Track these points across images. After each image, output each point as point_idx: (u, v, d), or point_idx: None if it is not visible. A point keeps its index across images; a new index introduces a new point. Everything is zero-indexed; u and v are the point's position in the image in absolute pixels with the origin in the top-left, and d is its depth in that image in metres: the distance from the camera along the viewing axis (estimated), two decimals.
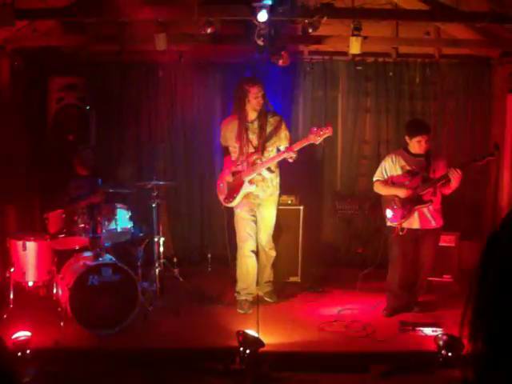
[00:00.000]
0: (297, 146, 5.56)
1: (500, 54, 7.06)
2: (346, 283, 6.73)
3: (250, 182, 5.79)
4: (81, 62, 7.08)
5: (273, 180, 5.90)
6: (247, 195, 5.87)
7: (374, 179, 5.85)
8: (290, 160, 5.66)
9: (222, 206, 6.18)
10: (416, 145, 5.56)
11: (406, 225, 5.64)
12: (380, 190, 5.80)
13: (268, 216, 6.00)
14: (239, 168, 5.86)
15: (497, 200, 7.23)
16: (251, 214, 5.94)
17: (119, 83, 7.29)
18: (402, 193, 5.59)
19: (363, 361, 4.90)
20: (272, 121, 5.83)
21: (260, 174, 5.81)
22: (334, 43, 6.94)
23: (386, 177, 5.76)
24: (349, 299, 6.22)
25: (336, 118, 7.51)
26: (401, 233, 5.67)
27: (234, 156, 5.92)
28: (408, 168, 5.64)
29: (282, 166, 5.93)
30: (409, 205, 5.58)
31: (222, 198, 6.01)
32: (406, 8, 6.58)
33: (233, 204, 5.92)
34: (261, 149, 5.77)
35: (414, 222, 5.64)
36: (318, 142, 5.47)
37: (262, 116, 5.78)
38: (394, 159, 5.71)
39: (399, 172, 5.68)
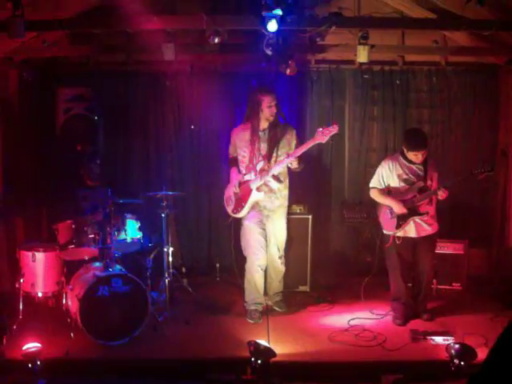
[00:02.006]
0: (302, 149, 5.56)
1: (506, 61, 7.05)
2: (355, 292, 6.70)
3: (258, 189, 5.77)
4: (88, 72, 7.12)
5: (281, 191, 5.88)
6: (255, 206, 5.84)
7: (371, 186, 5.84)
8: (291, 166, 5.65)
9: (230, 219, 6.15)
10: (413, 157, 5.55)
11: (401, 233, 5.64)
12: (376, 197, 5.79)
13: (278, 228, 5.97)
14: (247, 177, 5.84)
15: (505, 207, 7.21)
16: (260, 226, 5.90)
17: (127, 93, 7.31)
18: (397, 209, 5.57)
19: (374, 370, 4.84)
20: (284, 132, 5.83)
21: (267, 185, 5.80)
22: (341, 52, 6.96)
23: (383, 185, 5.74)
24: (358, 308, 6.19)
25: (343, 126, 7.50)
26: (397, 242, 5.67)
27: (242, 165, 5.91)
28: (405, 177, 5.62)
29: (291, 175, 5.92)
30: (405, 215, 5.57)
31: (229, 209, 5.97)
32: (412, 16, 6.60)
33: (241, 214, 5.89)
34: (270, 158, 5.76)
35: (409, 231, 5.63)
36: (325, 141, 5.46)
37: (275, 126, 5.79)
38: (391, 167, 5.69)
39: (396, 181, 5.66)
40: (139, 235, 5.90)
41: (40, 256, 5.68)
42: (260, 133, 5.80)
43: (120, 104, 7.31)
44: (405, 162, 5.63)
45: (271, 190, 5.83)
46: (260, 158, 5.78)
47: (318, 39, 6.19)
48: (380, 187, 5.75)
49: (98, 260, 5.73)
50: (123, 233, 5.76)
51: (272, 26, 5.07)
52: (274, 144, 5.77)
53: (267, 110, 5.69)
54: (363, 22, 5.82)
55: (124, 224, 5.79)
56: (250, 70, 7.20)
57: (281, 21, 5.12)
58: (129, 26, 5.86)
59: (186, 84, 7.34)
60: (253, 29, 5.69)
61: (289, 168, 5.84)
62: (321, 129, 5.47)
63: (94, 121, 6.78)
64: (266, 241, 5.95)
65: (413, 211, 5.54)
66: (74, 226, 5.64)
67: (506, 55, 6.89)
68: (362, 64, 6.86)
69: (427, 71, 7.39)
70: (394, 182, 5.66)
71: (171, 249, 6.11)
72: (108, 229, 5.55)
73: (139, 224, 5.92)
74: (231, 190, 5.93)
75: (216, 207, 7.36)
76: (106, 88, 7.17)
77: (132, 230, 5.86)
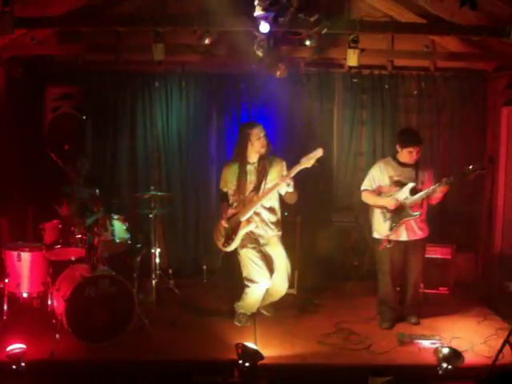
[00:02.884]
0: (291, 174, 5.49)
1: (495, 68, 7.13)
2: (342, 295, 6.73)
3: (248, 221, 5.69)
4: (77, 70, 7.05)
5: (271, 219, 5.80)
6: (249, 234, 5.75)
7: (362, 188, 5.83)
8: (289, 189, 5.57)
9: (221, 253, 6.09)
10: (407, 155, 5.55)
11: (393, 237, 5.64)
12: (368, 200, 5.79)
13: (279, 253, 5.85)
14: (235, 210, 5.75)
15: (492, 213, 7.25)
16: (257, 249, 5.77)
17: (115, 93, 7.24)
18: (390, 203, 5.57)
19: (362, 373, 4.85)
20: (274, 163, 5.76)
21: (259, 215, 5.74)
22: (331, 55, 6.96)
23: (374, 187, 5.74)
24: (346, 311, 6.18)
25: (332, 129, 7.53)
26: (388, 245, 5.68)
27: (232, 199, 5.82)
28: (396, 179, 5.63)
29: (284, 203, 5.87)
30: (397, 217, 5.58)
31: (219, 243, 5.86)
32: (402, 21, 6.62)
33: (232, 247, 5.77)
34: (259, 189, 5.69)
35: (401, 234, 5.64)
36: (310, 165, 5.41)
37: (264, 158, 5.73)
38: (382, 168, 5.70)
39: (387, 182, 5.67)
40: (127, 236, 5.85)
41: (26, 256, 5.62)
42: (249, 166, 5.74)
43: (108, 104, 7.25)
44: (396, 164, 5.64)
45: (263, 221, 5.77)
46: (249, 190, 5.73)
47: (308, 42, 6.20)
48: (371, 189, 5.75)
49: (84, 261, 5.66)
50: (110, 233, 5.70)
51: (264, 27, 5.07)
52: (262, 175, 5.70)
53: (257, 143, 5.64)
54: (354, 25, 5.82)
55: (111, 224, 5.74)
56: (240, 72, 7.18)
57: (273, 22, 5.11)
58: (118, 25, 5.82)
59: (175, 85, 7.30)
60: (243, 30, 5.68)
61: (281, 198, 5.79)
62: (304, 156, 5.40)
63: (82, 120, 6.72)
64: (268, 263, 5.81)
65: (404, 213, 5.55)
66: (60, 226, 5.59)
67: (495, 61, 6.95)
68: (351, 68, 6.87)
69: (416, 76, 7.42)
70: (385, 184, 5.67)
71: (158, 250, 6.06)
72: (95, 229, 5.50)
73: (126, 225, 5.87)
74: (221, 225, 5.83)
75: (203, 209, 7.36)
76: (94, 87, 7.11)
77: (119, 231, 5.80)
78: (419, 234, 5.67)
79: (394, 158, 5.68)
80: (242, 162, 5.74)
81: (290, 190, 5.59)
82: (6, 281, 5.56)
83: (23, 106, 6.92)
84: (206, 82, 7.33)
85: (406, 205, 5.53)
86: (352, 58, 6.12)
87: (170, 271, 6.52)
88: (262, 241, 5.82)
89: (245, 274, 5.78)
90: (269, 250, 5.84)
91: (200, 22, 5.49)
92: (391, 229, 5.61)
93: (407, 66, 7.38)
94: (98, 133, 7.20)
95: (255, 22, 5.11)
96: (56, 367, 4.80)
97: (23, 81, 6.87)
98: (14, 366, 4.54)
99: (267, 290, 5.83)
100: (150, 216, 5.98)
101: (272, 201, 5.76)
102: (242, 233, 5.70)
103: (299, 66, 7.33)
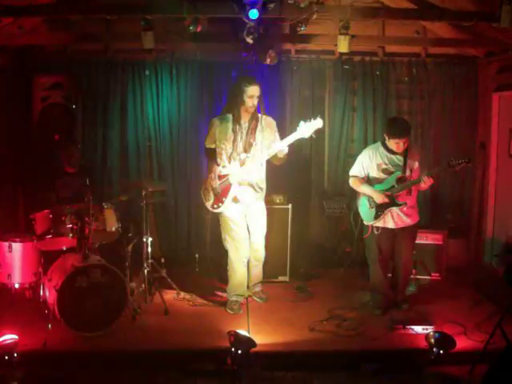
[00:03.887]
0: (287, 142, 5.51)
1: (485, 53, 7.11)
2: (334, 282, 6.74)
3: (238, 183, 5.73)
4: (66, 60, 6.99)
5: (259, 184, 5.82)
6: (234, 198, 5.79)
7: (351, 174, 5.81)
8: (281, 155, 5.60)
9: (208, 214, 6.12)
10: (394, 145, 5.51)
11: (380, 224, 5.64)
12: (356, 186, 5.77)
13: (258, 216, 5.93)
14: (226, 171, 5.77)
15: (483, 199, 7.28)
16: (240, 217, 5.84)
17: (105, 82, 7.18)
18: (377, 198, 5.57)
19: (354, 359, 4.89)
20: (264, 123, 5.77)
21: (246, 178, 5.76)
22: (322, 42, 6.93)
23: (363, 174, 5.72)
24: (338, 298, 6.20)
25: (323, 116, 7.43)
26: (376, 232, 5.68)
27: (220, 158, 5.80)
28: (384, 167, 5.61)
29: (269, 165, 5.88)
30: (382, 206, 5.57)
31: (208, 204, 5.88)
32: (393, 7, 6.59)
33: (221, 209, 5.81)
34: (249, 150, 5.71)
35: (388, 222, 5.63)
36: (307, 136, 5.43)
37: (255, 118, 5.72)
38: (371, 156, 5.67)
39: (375, 170, 5.64)
40: (118, 225, 5.84)
41: (17, 246, 5.61)
42: (241, 125, 5.71)
43: (98, 93, 7.19)
44: (385, 151, 5.61)
45: (249, 184, 5.78)
46: (241, 151, 5.72)
47: (298, 29, 6.15)
48: (360, 176, 5.74)
49: (76, 250, 5.63)
50: (102, 223, 5.68)
51: (253, 13, 5.02)
52: (254, 136, 5.71)
53: (249, 101, 5.59)
54: (345, 11, 5.78)
55: (102, 214, 5.72)
56: (230, 59, 7.14)
57: (262, 9, 5.07)
58: (106, 13, 5.77)
59: (166, 73, 7.25)
60: (232, 17, 5.63)
61: (268, 161, 5.79)
62: (304, 122, 5.41)
63: (72, 109, 6.68)
64: (249, 231, 5.92)
65: (391, 202, 5.54)
66: (51, 216, 5.55)
67: (486, 47, 6.93)
68: (342, 54, 6.84)
69: (407, 62, 7.40)
70: (373, 172, 5.65)
71: (150, 239, 6.04)
72: (86, 219, 5.47)
73: (118, 214, 5.84)
74: (209, 184, 5.85)
75: (195, 197, 7.30)
76: (84, 76, 7.09)
77: (111, 220, 5.78)
78: (407, 221, 5.64)
79: (384, 145, 5.64)
80: (235, 119, 5.71)
81: (281, 155, 5.61)
82: None
83: (12, 95, 6.84)
84: (196, 69, 7.29)
85: (392, 194, 5.51)
86: (343, 45, 6.09)
87: (162, 260, 6.50)
88: (245, 204, 5.82)
89: (224, 236, 5.88)
90: (250, 212, 5.87)
91: (188, 9, 5.43)
92: (377, 217, 5.61)
93: (398, 52, 7.36)
94: (89, 122, 7.17)
95: (244, 8, 5.06)
96: (49, 357, 4.78)
97: (12, 70, 6.79)
98: (6, 357, 4.52)
99: (250, 262, 5.94)
100: (141, 205, 5.95)
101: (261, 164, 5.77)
102: (231, 195, 5.72)
103: (289, 53, 7.29)
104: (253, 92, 5.59)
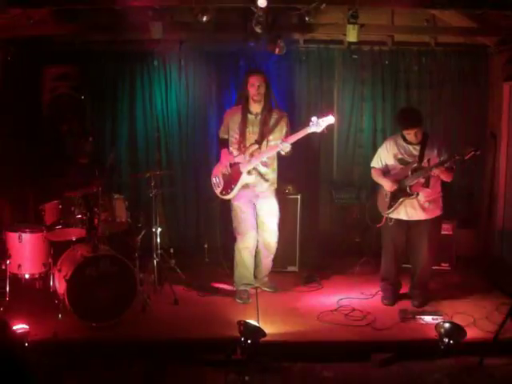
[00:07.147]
0: (293, 138, 5.54)
1: (496, 42, 7.03)
2: (343, 272, 6.74)
3: (249, 172, 5.76)
4: (75, 51, 6.98)
5: (269, 174, 5.86)
6: (245, 187, 5.82)
7: (371, 165, 5.84)
8: (282, 153, 5.64)
9: (217, 200, 6.14)
10: (407, 136, 5.48)
11: (394, 215, 5.61)
12: (374, 177, 5.80)
13: (269, 206, 5.94)
14: (237, 160, 5.82)
15: (493, 188, 7.23)
16: (250, 205, 5.88)
17: (114, 72, 7.19)
18: (387, 185, 5.56)
19: (364, 349, 4.87)
20: (276, 116, 5.81)
21: (256, 169, 5.78)
22: (330, 32, 6.89)
23: (381, 165, 5.72)
24: (347, 288, 6.20)
25: (332, 106, 7.44)
26: (390, 223, 5.65)
27: (233, 147, 5.88)
28: (400, 156, 5.58)
29: (278, 155, 5.87)
30: (396, 196, 5.54)
31: (218, 190, 5.94)
32: None
33: (230, 196, 5.87)
34: (261, 142, 5.74)
35: (400, 213, 5.59)
36: (319, 131, 5.44)
37: (267, 111, 5.77)
38: (388, 147, 5.66)
39: (392, 161, 5.62)
40: (127, 215, 5.84)
41: (26, 237, 5.61)
42: (252, 116, 5.78)
43: (107, 84, 7.21)
44: (402, 141, 5.57)
45: (260, 174, 5.82)
46: (252, 142, 5.76)
47: (307, 18, 6.12)
48: (378, 167, 5.74)
49: (85, 241, 5.64)
50: (111, 213, 5.69)
51: (262, 1, 4.99)
52: (266, 129, 5.75)
53: (251, 89, 5.68)
54: None
55: (112, 204, 5.73)
56: (239, 49, 7.11)
57: None
58: (115, 2, 5.76)
59: (174, 63, 7.24)
60: (241, 6, 5.61)
61: (278, 153, 5.79)
62: (315, 118, 5.43)
63: (81, 100, 6.68)
64: (257, 221, 5.92)
65: (404, 192, 5.51)
66: (60, 207, 5.57)
67: (496, 36, 6.86)
68: (351, 44, 6.78)
69: (417, 52, 7.34)
70: (391, 162, 5.63)
71: (159, 229, 6.05)
72: (96, 209, 5.48)
73: (127, 204, 5.86)
74: (220, 171, 5.89)
75: (204, 187, 7.29)
76: (92, 67, 7.08)
77: (120, 210, 5.79)
78: (422, 214, 5.54)
79: (402, 136, 5.57)
80: (244, 110, 5.79)
81: (283, 153, 5.67)
82: (8, 262, 5.56)
83: (21, 87, 6.84)
84: (204, 59, 7.27)
85: (406, 184, 5.48)
86: (352, 34, 6.04)
87: (172, 250, 6.51)
88: (255, 193, 5.86)
89: (234, 224, 5.93)
90: (261, 201, 5.90)
91: None
92: (390, 207, 5.59)
93: (407, 41, 7.29)
94: (97, 113, 7.18)
95: None
96: (59, 347, 4.80)
97: (20, 62, 6.79)
98: None
99: (258, 255, 5.98)
100: (151, 195, 5.96)
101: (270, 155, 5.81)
102: (241, 183, 5.77)
103: (298, 43, 7.25)
104: (253, 81, 5.67)
